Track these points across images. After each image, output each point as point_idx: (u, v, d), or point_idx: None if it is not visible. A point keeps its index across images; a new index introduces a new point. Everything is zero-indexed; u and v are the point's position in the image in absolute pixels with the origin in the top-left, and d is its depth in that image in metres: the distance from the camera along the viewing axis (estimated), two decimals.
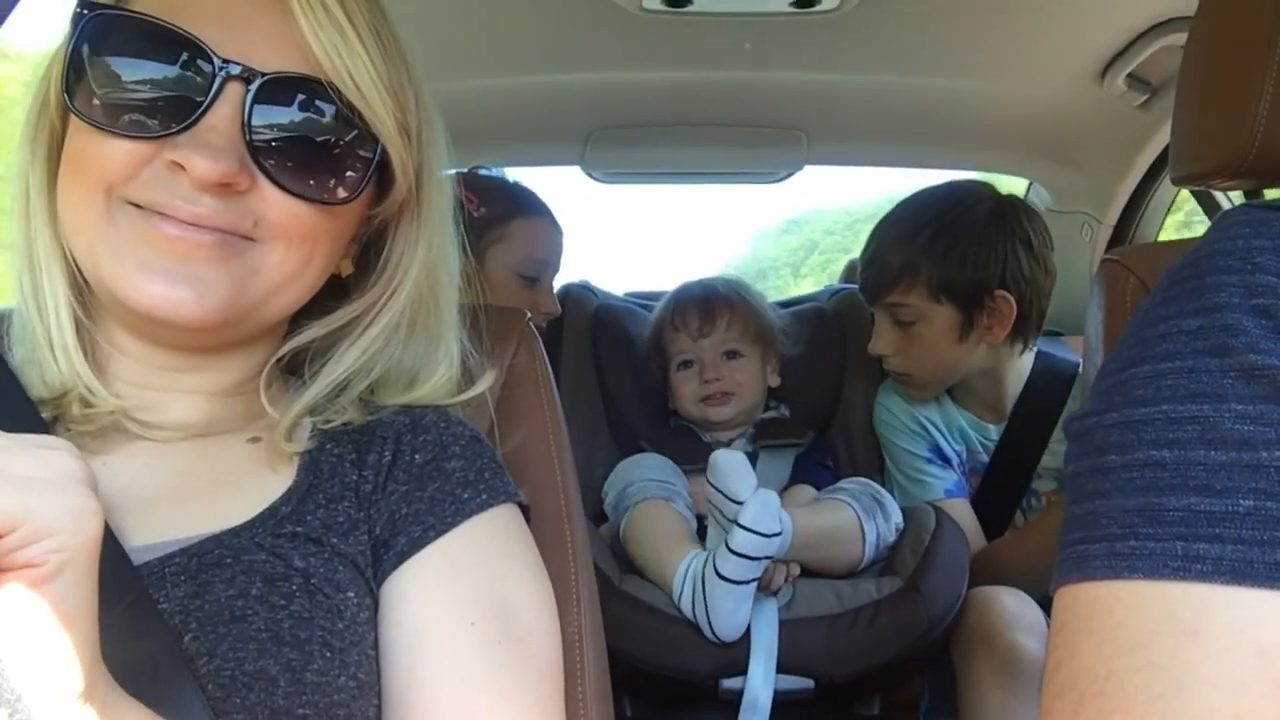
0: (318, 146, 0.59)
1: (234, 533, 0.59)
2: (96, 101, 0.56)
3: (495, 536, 0.65)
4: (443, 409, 0.71)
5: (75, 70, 0.57)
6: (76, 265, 0.61)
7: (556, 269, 1.64)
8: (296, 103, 0.58)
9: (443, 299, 0.72)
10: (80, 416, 0.60)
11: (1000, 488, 1.51)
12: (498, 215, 1.52)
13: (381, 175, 0.64)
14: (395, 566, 0.61)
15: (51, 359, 0.61)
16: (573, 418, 0.96)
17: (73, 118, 0.58)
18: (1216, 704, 0.39)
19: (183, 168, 0.55)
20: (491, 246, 1.51)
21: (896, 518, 1.35)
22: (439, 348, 0.72)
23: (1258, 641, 0.39)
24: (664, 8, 1.34)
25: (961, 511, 1.45)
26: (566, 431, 0.85)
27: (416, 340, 0.71)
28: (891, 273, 1.44)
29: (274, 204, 0.59)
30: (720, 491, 1.23)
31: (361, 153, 0.61)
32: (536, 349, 0.87)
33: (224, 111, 0.56)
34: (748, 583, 1.18)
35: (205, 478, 0.63)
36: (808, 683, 1.23)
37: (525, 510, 0.70)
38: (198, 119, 0.56)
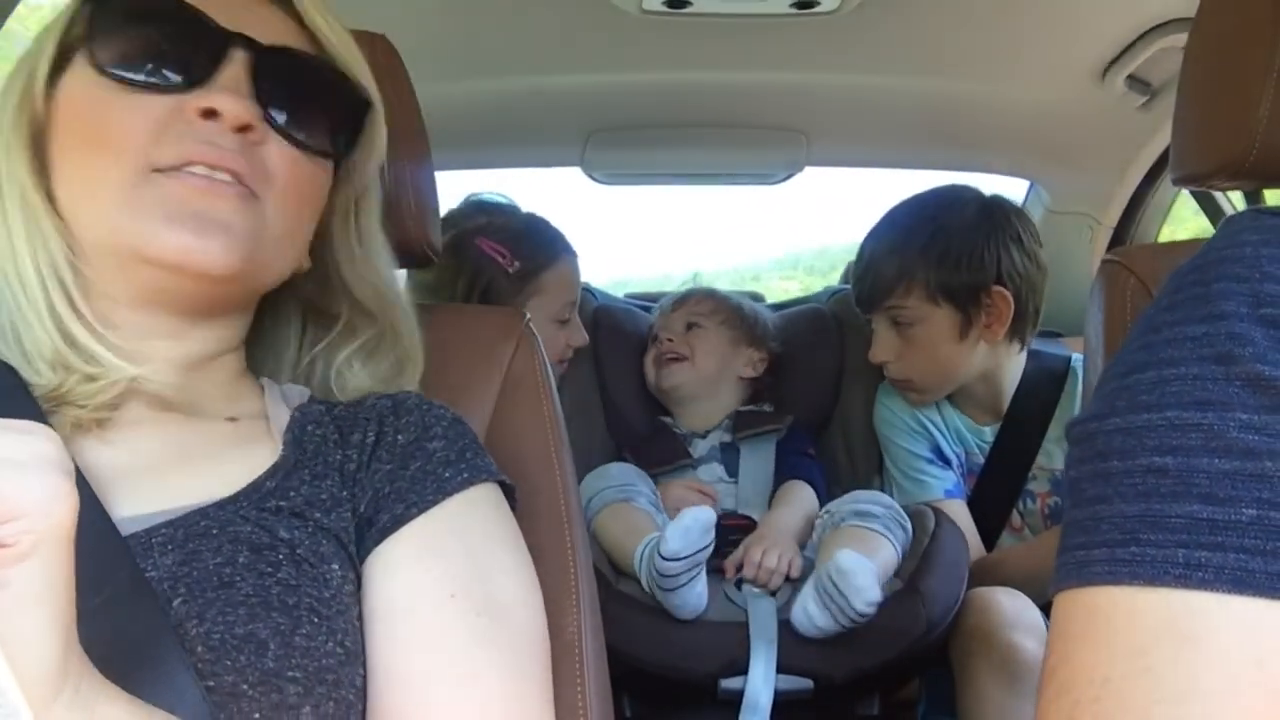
0: (315, 105, 0.66)
1: (219, 505, 0.60)
2: (111, 67, 0.60)
3: (476, 513, 0.66)
4: (421, 393, 0.73)
5: (93, 37, 0.61)
6: (67, 246, 0.62)
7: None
8: (293, 69, 0.65)
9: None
10: (84, 392, 0.60)
11: (995, 488, 1.51)
12: (530, 269, 1.52)
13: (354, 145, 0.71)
14: (378, 543, 0.63)
15: (45, 338, 0.60)
16: (572, 419, 0.96)
17: (62, 101, 0.61)
18: (1215, 712, 0.39)
19: (216, 111, 0.60)
20: (530, 300, 1.51)
21: (909, 528, 1.35)
22: (400, 340, 0.76)
23: (1258, 651, 0.39)
24: (663, 9, 1.34)
25: (958, 513, 1.45)
26: (566, 432, 0.85)
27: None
28: (887, 280, 1.45)
29: (278, 156, 0.63)
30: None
31: (352, 113, 0.70)
32: (536, 350, 0.87)
33: (233, 70, 0.62)
34: (687, 584, 1.20)
35: (188, 453, 0.63)
36: (806, 683, 1.22)
37: (510, 491, 0.71)
38: (214, 75, 0.61)
